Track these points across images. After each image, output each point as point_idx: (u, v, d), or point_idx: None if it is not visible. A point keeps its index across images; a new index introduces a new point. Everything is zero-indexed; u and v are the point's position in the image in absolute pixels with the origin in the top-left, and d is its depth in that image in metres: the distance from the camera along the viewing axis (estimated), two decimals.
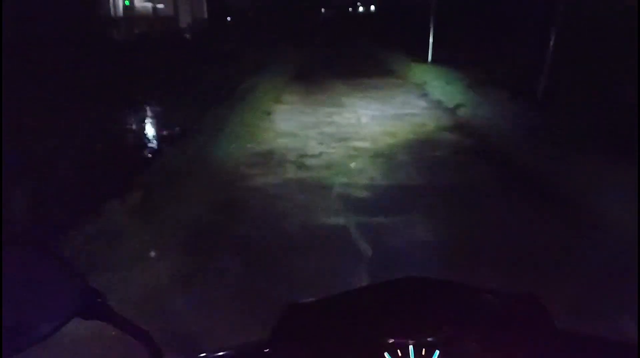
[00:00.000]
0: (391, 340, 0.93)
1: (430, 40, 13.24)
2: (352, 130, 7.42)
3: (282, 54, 15.90)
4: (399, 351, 0.92)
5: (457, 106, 8.60)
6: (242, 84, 10.50)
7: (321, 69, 13.40)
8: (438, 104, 9.23)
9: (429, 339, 0.92)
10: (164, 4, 19.82)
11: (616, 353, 0.89)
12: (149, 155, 5.90)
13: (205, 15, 21.94)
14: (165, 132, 6.66)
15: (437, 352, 0.91)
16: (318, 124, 7.70)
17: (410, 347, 0.93)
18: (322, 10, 41.46)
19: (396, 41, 17.57)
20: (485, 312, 0.90)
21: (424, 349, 0.92)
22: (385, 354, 0.92)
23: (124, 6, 17.10)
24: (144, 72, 9.55)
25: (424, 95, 10.18)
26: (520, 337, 0.88)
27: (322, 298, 0.93)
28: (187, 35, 17.66)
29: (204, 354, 0.95)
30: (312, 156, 6.11)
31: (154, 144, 6.27)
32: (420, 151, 6.34)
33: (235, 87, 10.10)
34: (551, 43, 7.13)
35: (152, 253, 3.66)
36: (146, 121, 7.65)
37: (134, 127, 7.34)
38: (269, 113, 8.36)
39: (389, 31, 20.22)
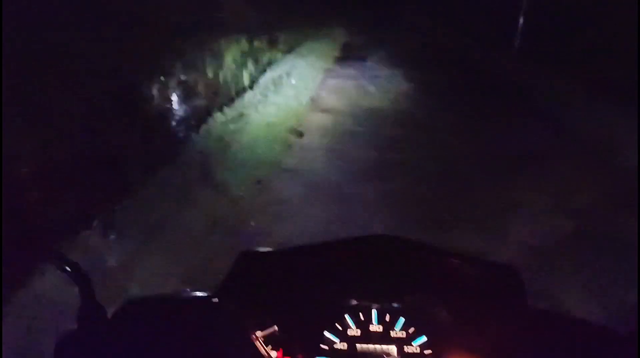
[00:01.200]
0: (354, 302, 0.85)
1: None
2: None
3: None
4: (361, 314, 0.85)
5: None
6: None
7: None
8: None
9: (394, 304, 0.85)
10: None
11: (586, 334, 0.83)
12: None
13: None
14: None
15: (402, 319, 0.84)
16: None
17: (374, 311, 0.85)
18: None
19: None
20: (457, 280, 0.83)
21: (388, 315, 0.85)
22: (346, 316, 0.85)
23: None
24: None
25: None
26: (492, 310, 0.81)
27: (281, 248, 0.85)
28: None
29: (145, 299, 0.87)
30: None
31: None
32: None
33: None
34: None
35: None
36: None
37: None
38: None
39: None
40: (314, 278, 0.84)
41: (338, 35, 11.60)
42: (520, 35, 8.35)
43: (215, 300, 0.82)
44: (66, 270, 0.77)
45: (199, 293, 0.86)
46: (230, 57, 6.29)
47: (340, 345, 0.82)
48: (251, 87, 6.32)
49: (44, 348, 0.81)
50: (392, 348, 0.81)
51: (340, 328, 0.83)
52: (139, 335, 0.82)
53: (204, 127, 4.74)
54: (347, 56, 9.37)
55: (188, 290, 0.86)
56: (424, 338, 0.82)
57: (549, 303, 0.91)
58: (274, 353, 0.79)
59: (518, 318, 0.81)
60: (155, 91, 4.64)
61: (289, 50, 8.99)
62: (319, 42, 10.15)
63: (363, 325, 0.84)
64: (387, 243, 0.84)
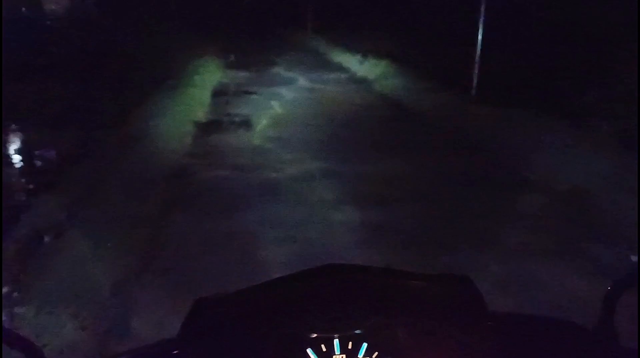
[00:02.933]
0: (314, 335, 0.85)
1: None
2: None
3: None
4: (323, 346, 0.84)
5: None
6: None
7: None
8: None
9: (355, 331, 0.85)
10: None
11: (553, 336, 0.85)
12: None
13: None
14: None
15: (365, 344, 0.84)
16: None
17: (336, 341, 0.85)
18: None
19: None
20: (413, 298, 0.84)
21: (350, 342, 0.84)
22: (309, 350, 0.84)
23: None
24: None
25: None
26: (452, 322, 0.82)
27: (235, 291, 0.83)
28: None
29: None
30: None
31: None
32: None
33: None
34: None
35: None
36: None
37: None
38: None
39: None
40: (271, 317, 0.83)
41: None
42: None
43: (176, 352, 0.80)
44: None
45: (157, 347, 0.84)
46: None
47: None
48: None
49: None
50: None
51: None
52: None
53: None
54: None
55: (146, 344, 0.84)
56: None
57: (510, 308, 0.93)
58: None
59: (478, 327, 0.82)
60: None
61: None
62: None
63: (326, 357, 0.83)
64: (339, 272, 0.84)
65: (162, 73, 8.10)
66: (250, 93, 8.49)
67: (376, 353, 0.83)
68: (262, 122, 6.78)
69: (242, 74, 10.29)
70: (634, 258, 3.11)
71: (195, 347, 0.80)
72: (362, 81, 9.57)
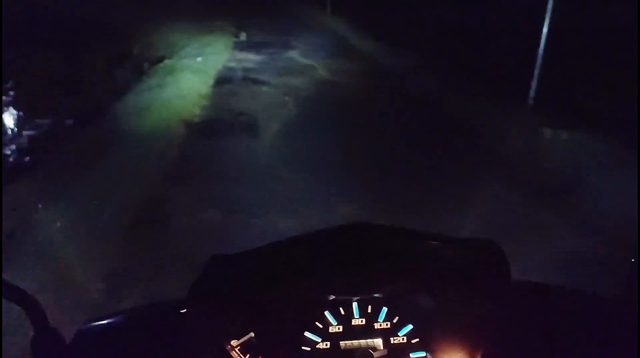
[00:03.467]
0: (332, 297, 0.94)
1: None
2: None
3: None
4: (341, 309, 0.92)
5: None
6: None
7: None
8: None
9: (375, 295, 0.94)
10: None
11: (575, 305, 0.93)
12: None
13: None
14: None
15: (385, 309, 0.93)
16: None
17: (354, 305, 0.93)
18: None
19: None
20: (437, 263, 0.91)
21: (369, 306, 0.93)
22: (326, 313, 0.92)
23: None
24: None
25: None
26: (476, 290, 0.89)
27: (249, 249, 0.90)
28: None
29: (113, 316, 0.94)
30: None
31: None
32: None
33: None
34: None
35: None
36: None
37: None
38: None
39: None
40: (288, 277, 0.91)
41: None
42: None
43: (184, 311, 0.89)
44: (14, 297, 0.84)
45: (164, 306, 0.93)
46: None
47: (323, 345, 0.88)
48: None
49: None
50: (378, 341, 0.88)
51: (321, 326, 0.89)
52: (105, 356, 0.89)
53: None
54: None
55: (152, 302, 0.93)
56: (410, 327, 0.89)
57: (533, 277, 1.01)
58: None
59: (503, 295, 0.89)
60: None
61: None
62: None
63: (345, 321, 0.90)
64: (360, 231, 0.91)
65: (156, 50, 7.89)
66: (261, 83, 8.12)
67: (397, 318, 0.91)
68: (272, 128, 6.03)
69: (251, 58, 10.15)
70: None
71: (205, 307, 0.89)
72: (390, 76, 9.08)
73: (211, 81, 8.31)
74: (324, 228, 0.91)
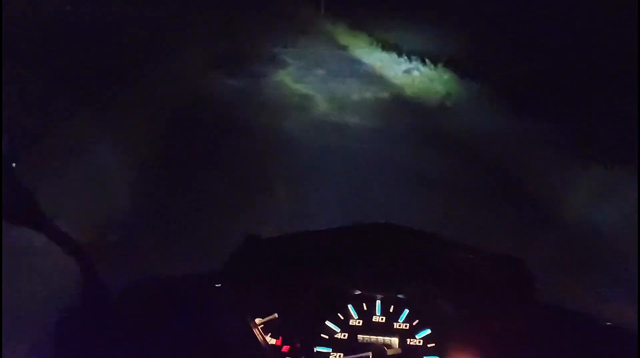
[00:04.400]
0: (357, 292, 0.98)
1: None
2: None
3: None
4: (364, 304, 0.96)
5: None
6: None
7: None
8: None
9: (398, 295, 0.97)
10: None
11: (595, 334, 0.94)
12: None
13: None
14: None
15: (407, 310, 0.96)
16: None
17: (378, 302, 0.97)
18: None
19: None
20: (462, 271, 0.94)
21: (392, 305, 0.96)
22: (349, 306, 0.97)
23: None
24: None
25: None
26: (498, 302, 0.92)
27: (285, 234, 0.96)
28: None
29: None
30: None
31: None
32: None
33: None
34: None
35: None
36: None
37: None
38: None
39: None
40: (317, 266, 0.96)
41: None
42: None
43: (218, 285, 0.95)
44: (67, 247, 0.92)
45: (202, 278, 0.99)
46: None
47: (341, 335, 0.92)
48: None
49: (47, 328, 0.94)
50: (394, 340, 0.91)
51: (342, 317, 0.93)
52: (141, 317, 0.94)
53: None
54: None
55: (191, 273, 1.00)
56: (427, 331, 0.92)
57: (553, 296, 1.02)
58: (272, 341, 0.90)
59: (523, 311, 0.92)
60: None
61: None
62: None
63: (366, 316, 0.94)
64: (392, 232, 0.96)
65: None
66: (229, 138, 5.05)
67: (417, 320, 0.94)
68: None
69: (221, 87, 7.10)
70: None
71: (237, 284, 0.95)
72: (417, 108, 6.67)
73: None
74: (358, 223, 0.96)
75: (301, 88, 7.48)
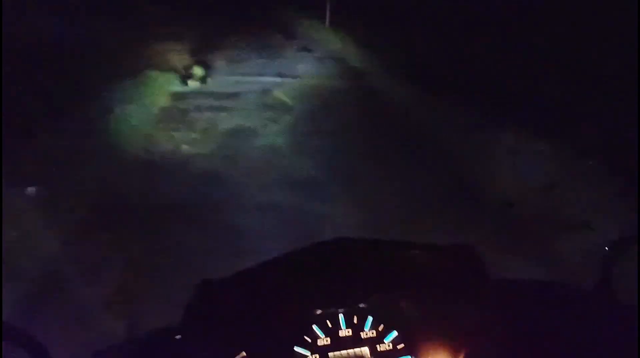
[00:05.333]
0: (319, 311, 0.98)
1: None
2: None
3: None
4: (328, 322, 0.97)
5: None
6: None
7: None
8: None
9: (360, 305, 0.99)
10: None
11: (553, 300, 1.00)
12: None
13: None
14: None
15: (370, 318, 0.98)
16: None
17: (341, 316, 0.97)
18: None
19: None
20: (417, 270, 0.97)
21: (355, 316, 0.97)
22: (314, 326, 0.97)
23: None
24: None
25: None
26: (456, 293, 0.96)
27: (237, 271, 0.95)
28: None
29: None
30: None
31: None
32: None
33: None
34: None
35: None
36: None
37: None
38: None
39: None
40: (274, 295, 0.95)
41: None
42: None
43: (178, 337, 0.93)
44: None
45: (160, 332, 0.96)
46: None
47: None
48: None
49: None
50: (365, 350, 0.92)
51: (309, 340, 0.93)
52: None
53: None
54: None
55: (148, 329, 0.96)
56: (394, 334, 0.94)
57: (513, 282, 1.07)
58: None
59: (480, 297, 0.96)
60: None
61: None
62: None
63: (332, 332, 0.94)
64: (341, 246, 0.97)
65: None
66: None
67: (382, 326, 0.95)
68: None
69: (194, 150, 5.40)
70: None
71: (198, 331, 0.93)
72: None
73: None
74: (307, 245, 0.97)
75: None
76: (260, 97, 6.98)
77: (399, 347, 0.94)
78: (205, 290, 0.95)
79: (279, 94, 7.25)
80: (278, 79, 7.69)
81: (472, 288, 0.96)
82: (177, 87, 7.58)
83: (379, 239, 0.98)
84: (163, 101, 7.17)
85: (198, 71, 7.80)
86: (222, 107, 6.74)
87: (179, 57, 8.89)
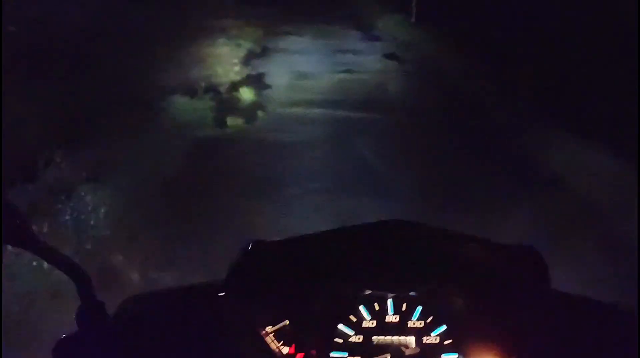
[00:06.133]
0: (368, 292, 0.96)
1: None
2: None
3: None
4: (376, 305, 0.94)
5: None
6: None
7: None
8: None
9: (410, 293, 0.95)
10: None
11: (614, 321, 0.93)
12: None
13: None
14: None
15: (420, 308, 0.94)
16: None
17: (389, 301, 0.94)
18: None
19: None
20: (475, 266, 0.93)
21: (404, 304, 0.94)
22: (361, 307, 0.94)
23: None
24: None
25: None
26: (513, 296, 0.90)
27: (289, 237, 0.93)
28: None
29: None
30: None
31: None
32: None
33: None
34: None
35: None
36: None
37: None
38: None
39: None
40: (325, 269, 0.93)
41: None
42: None
43: (222, 293, 0.92)
44: (62, 266, 0.88)
45: (204, 287, 0.96)
46: None
47: (355, 338, 0.89)
48: None
49: (43, 351, 0.91)
50: (410, 340, 0.89)
51: (354, 320, 0.91)
52: (142, 335, 0.90)
53: None
54: None
55: (193, 283, 0.96)
56: (443, 328, 0.90)
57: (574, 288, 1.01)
58: (285, 349, 0.87)
59: (539, 302, 0.90)
60: None
61: None
62: None
63: (379, 316, 0.91)
64: (399, 229, 0.93)
65: None
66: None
67: (431, 317, 0.91)
68: None
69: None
70: None
71: (243, 292, 0.92)
72: None
73: None
74: (364, 223, 0.94)
75: None
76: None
77: (446, 342, 0.90)
78: (255, 250, 0.94)
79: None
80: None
81: (528, 291, 0.90)
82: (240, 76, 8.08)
83: (438, 228, 0.94)
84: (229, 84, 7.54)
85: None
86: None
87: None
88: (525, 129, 5.99)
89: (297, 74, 8.08)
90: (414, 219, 0.96)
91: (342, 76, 8.21)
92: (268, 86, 7.48)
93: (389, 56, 9.21)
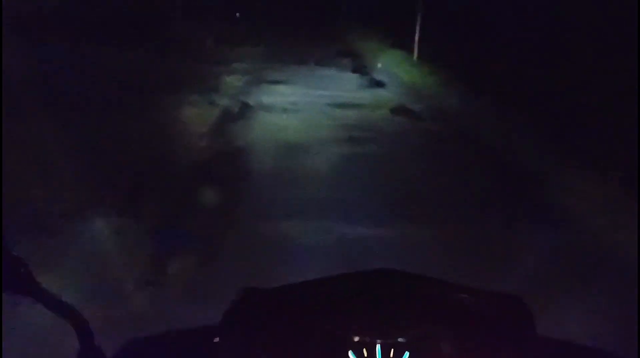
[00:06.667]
0: (357, 338, 0.97)
1: None
2: None
3: None
4: (364, 350, 0.96)
5: None
6: None
7: None
8: None
9: (398, 339, 0.97)
10: None
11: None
12: None
13: None
14: None
15: (407, 353, 0.96)
16: None
17: (378, 347, 0.96)
18: None
19: None
20: (462, 312, 0.94)
21: (392, 349, 0.96)
22: (350, 353, 0.96)
23: None
24: None
25: None
26: (498, 341, 0.93)
27: (282, 285, 0.97)
28: None
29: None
30: None
31: None
32: None
33: None
34: None
35: None
36: None
37: None
38: None
39: None
40: (315, 316, 0.95)
41: None
42: None
43: (217, 339, 0.95)
44: (64, 311, 0.91)
45: (199, 334, 0.99)
46: None
47: None
48: None
49: None
50: None
51: None
52: None
53: None
54: None
55: (188, 329, 0.99)
56: None
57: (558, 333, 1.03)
58: None
59: (526, 349, 0.93)
60: None
61: None
62: None
63: None
64: (388, 277, 0.97)
65: None
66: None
67: None
68: None
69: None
70: None
71: (237, 337, 0.95)
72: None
73: None
74: (355, 271, 0.97)
75: None
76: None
77: None
78: (247, 296, 0.97)
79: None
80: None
81: (516, 340, 0.92)
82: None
83: (427, 276, 0.97)
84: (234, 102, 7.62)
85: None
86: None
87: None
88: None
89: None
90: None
91: (345, 149, 6.42)
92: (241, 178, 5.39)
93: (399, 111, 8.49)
